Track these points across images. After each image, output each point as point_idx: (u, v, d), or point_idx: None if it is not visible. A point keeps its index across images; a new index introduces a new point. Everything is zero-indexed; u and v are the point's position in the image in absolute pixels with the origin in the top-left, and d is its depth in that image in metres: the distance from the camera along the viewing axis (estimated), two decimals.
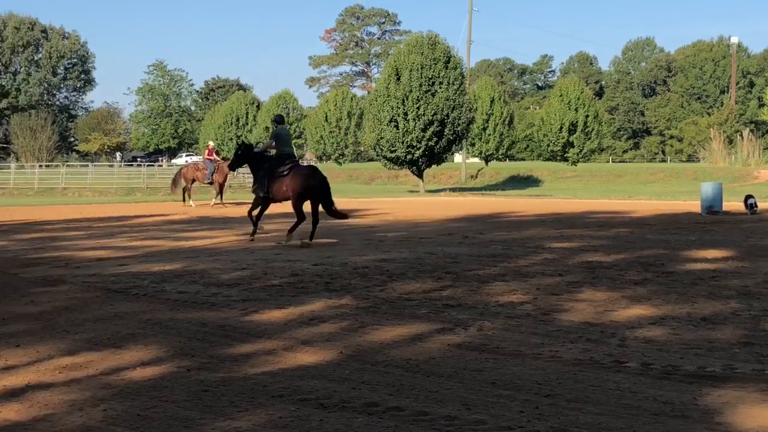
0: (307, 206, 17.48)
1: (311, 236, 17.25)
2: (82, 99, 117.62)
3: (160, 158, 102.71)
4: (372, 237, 19.11)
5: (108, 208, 34.49)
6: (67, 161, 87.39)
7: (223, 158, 38.05)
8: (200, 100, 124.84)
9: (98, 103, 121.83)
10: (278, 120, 18.88)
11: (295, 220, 17.39)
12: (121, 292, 11.22)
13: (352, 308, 9.75)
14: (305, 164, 20.36)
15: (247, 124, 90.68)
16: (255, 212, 18.21)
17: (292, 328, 8.71)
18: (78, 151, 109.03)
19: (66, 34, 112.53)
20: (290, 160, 17.79)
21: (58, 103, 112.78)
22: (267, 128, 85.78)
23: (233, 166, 19.64)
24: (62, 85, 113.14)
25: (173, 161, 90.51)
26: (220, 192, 35.30)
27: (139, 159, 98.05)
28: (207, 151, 36.61)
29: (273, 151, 18.33)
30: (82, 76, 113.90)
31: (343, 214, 17.94)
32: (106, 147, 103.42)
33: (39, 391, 6.37)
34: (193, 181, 35.29)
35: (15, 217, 28.38)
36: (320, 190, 17.24)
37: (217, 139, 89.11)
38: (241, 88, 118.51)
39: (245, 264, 13.98)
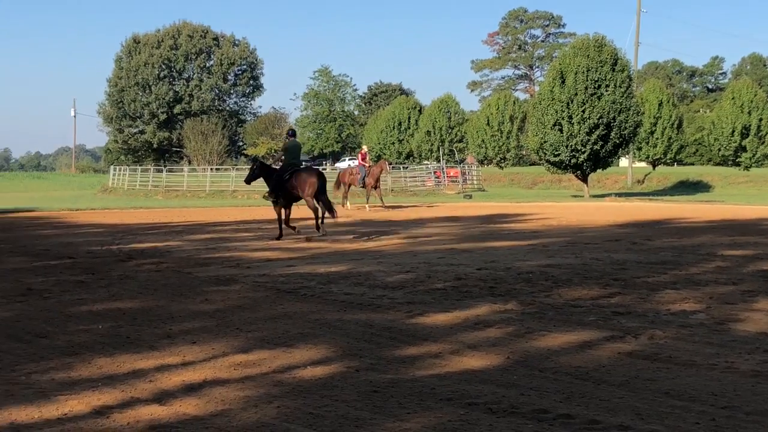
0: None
1: (318, 227, 20.26)
2: (251, 104, 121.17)
3: (324, 162, 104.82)
4: (535, 242, 18.92)
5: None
6: (236, 165, 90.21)
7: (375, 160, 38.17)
8: (363, 105, 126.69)
9: (266, 109, 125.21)
10: (291, 134, 21.59)
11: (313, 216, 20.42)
12: (290, 292, 11.50)
13: (518, 313, 9.68)
14: (305, 166, 22.70)
15: (409, 128, 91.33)
16: (283, 217, 20.42)
17: (458, 331, 8.72)
18: (246, 155, 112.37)
19: (236, 42, 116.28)
20: (291, 167, 20.37)
21: (228, 108, 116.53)
22: (428, 132, 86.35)
23: (248, 181, 21.38)
24: (232, 91, 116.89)
25: (336, 165, 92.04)
26: (379, 196, 35.78)
27: (304, 163, 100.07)
28: (360, 156, 37.21)
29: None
30: (251, 82, 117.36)
31: (331, 208, 20.35)
32: (273, 151, 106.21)
33: (215, 387, 6.61)
34: (349, 185, 36.06)
35: (189, 218, 29.53)
36: (318, 183, 19.97)
37: (379, 143, 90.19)
38: (404, 92, 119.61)
39: (409, 267, 14.09)
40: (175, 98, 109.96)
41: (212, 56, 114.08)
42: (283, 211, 20.36)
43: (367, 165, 35.89)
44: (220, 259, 15.62)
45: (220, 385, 6.64)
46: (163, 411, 5.98)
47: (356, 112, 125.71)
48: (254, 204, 41.87)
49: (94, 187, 64.46)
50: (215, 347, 8.01)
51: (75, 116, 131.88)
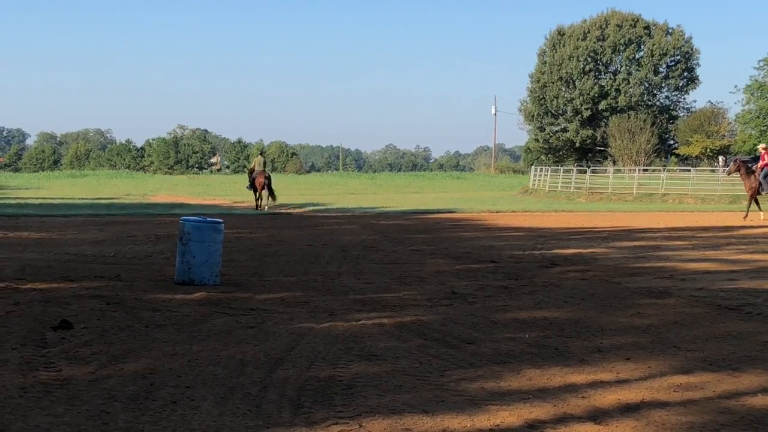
0: None
1: (258, 206, 37.43)
2: (684, 99, 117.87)
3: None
4: None
5: (710, 216, 34.30)
6: (666, 166, 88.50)
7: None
8: None
9: (701, 103, 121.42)
10: (261, 152, 43.79)
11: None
12: (732, 309, 11.13)
13: None
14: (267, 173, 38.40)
15: None
16: (258, 202, 37.79)
17: None
18: (677, 155, 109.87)
19: (669, 30, 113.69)
20: (257, 173, 37.19)
21: (658, 103, 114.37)
22: None
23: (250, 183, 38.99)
24: (663, 85, 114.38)
25: None
26: (755, 201, 33.22)
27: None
28: (762, 156, 34.54)
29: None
30: (685, 74, 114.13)
31: (272, 194, 37.06)
32: (708, 150, 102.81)
33: (654, 409, 6.54)
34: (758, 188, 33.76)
35: (614, 223, 29.47)
36: (267, 181, 36.48)
37: None
38: None
39: None
40: (600, 93, 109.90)
41: (642, 47, 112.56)
42: (256, 194, 37.28)
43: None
44: (651, 269, 15.47)
45: (659, 407, 6.57)
46: (599, 431, 6.03)
47: None
48: (687, 209, 40.91)
49: (514, 188, 66.40)
50: (651, 365, 7.95)
51: (495, 114, 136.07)
